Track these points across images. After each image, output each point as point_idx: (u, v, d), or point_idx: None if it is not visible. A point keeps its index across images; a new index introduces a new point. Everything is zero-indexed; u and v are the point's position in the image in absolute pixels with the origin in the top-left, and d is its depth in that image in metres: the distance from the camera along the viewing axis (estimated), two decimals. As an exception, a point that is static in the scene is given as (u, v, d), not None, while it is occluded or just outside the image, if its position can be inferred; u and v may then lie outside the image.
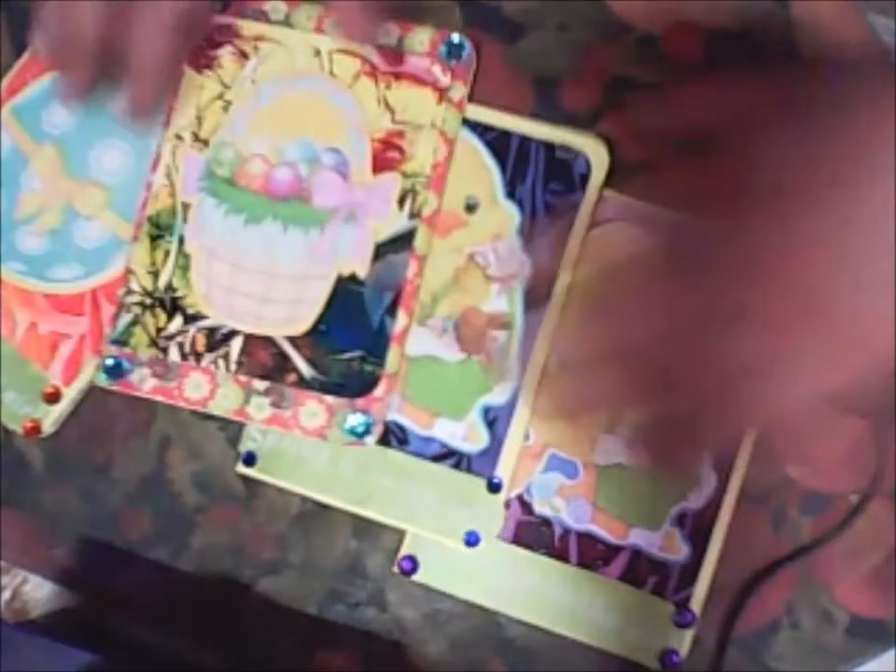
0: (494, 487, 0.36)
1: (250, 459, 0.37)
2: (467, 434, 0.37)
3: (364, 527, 0.37)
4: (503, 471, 0.36)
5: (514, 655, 0.36)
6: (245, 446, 0.37)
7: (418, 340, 0.37)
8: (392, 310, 0.37)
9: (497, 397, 0.37)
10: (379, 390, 0.36)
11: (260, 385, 0.36)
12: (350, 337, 0.37)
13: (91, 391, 0.38)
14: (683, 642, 0.35)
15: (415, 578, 0.36)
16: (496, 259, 0.37)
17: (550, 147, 0.38)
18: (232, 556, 0.37)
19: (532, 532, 0.36)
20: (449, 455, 0.36)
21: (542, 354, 0.37)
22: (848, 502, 0.36)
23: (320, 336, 0.37)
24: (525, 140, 0.38)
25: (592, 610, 0.35)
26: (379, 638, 0.36)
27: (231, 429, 0.37)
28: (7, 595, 0.38)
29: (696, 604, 0.35)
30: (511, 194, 0.38)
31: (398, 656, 0.36)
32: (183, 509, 0.37)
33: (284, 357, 0.37)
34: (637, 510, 0.36)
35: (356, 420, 0.36)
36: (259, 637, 0.37)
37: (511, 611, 0.36)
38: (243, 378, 0.37)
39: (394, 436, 0.37)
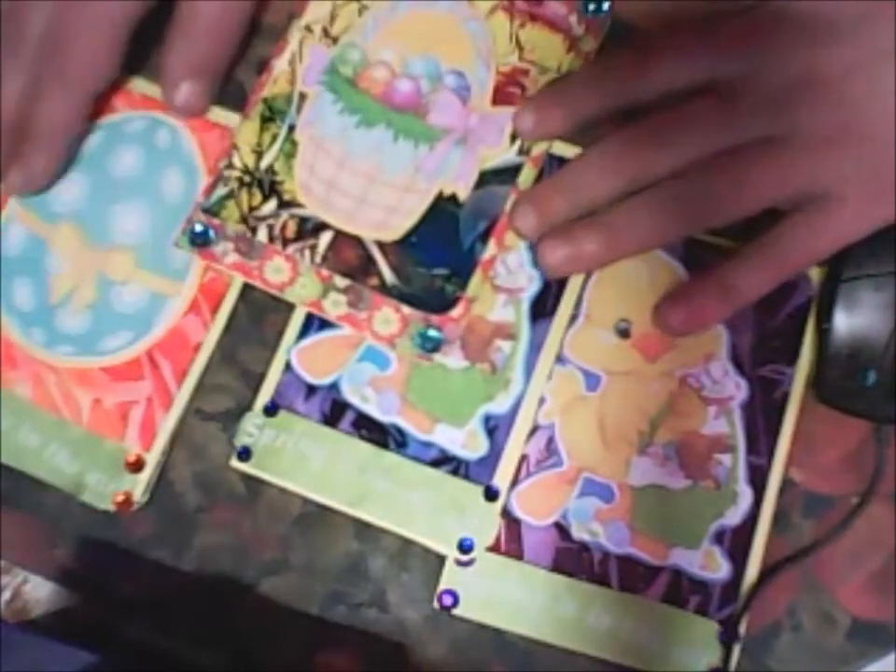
0: (491, 495, 0.36)
1: (245, 454, 0.36)
2: (466, 441, 0.36)
3: (365, 529, 0.37)
4: (501, 480, 0.36)
5: (515, 658, 0.36)
6: (241, 441, 0.37)
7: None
8: (484, 237, 0.37)
9: (499, 406, 0.37)
10: (456, 311, 0.36)
11: (341, 282, 0.36)
12: (438, 254, 0.37)
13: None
14: (731, 660, 0.35)
15: (456, 612, 0.35)
16: (504, 270, 0.38)
17: None
18: (233, 557, 0.37)
19: (571, 558, 0.36)
20: (447, 461, 0.36)
21: (547, 365, 0.37)
22: (850, 504, 0.36)
23: (410, 247, 0.37)
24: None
25: (636, 634, 0.35)
26: (380, 640, 0.36)
27: (233, 430, 0.37)
28: (7, 595, 0.38)
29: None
30: None
31: (399, 657, 0.36)
32: (184, 509, 0.37)
33: (370, 259, 0.37)
34: (676, 530, 0.36)
35: (428, 335, 0.36)
36: (259, 638, 0.37)
37: (555, 640, 0.35)
38: (325, 272, 0.36)
39: (392, 438, 0.37)
